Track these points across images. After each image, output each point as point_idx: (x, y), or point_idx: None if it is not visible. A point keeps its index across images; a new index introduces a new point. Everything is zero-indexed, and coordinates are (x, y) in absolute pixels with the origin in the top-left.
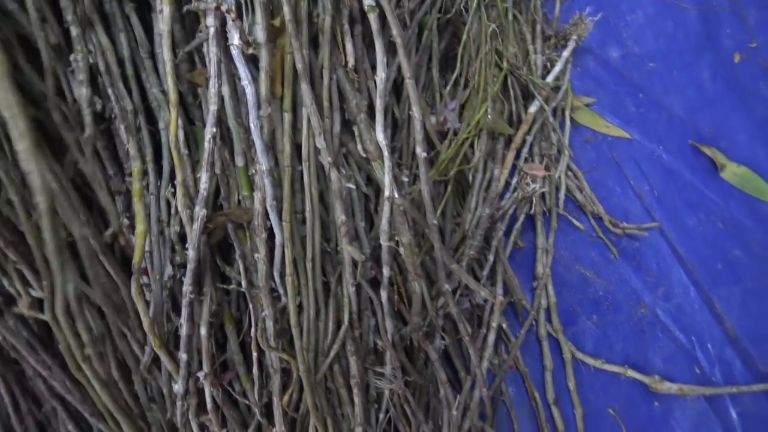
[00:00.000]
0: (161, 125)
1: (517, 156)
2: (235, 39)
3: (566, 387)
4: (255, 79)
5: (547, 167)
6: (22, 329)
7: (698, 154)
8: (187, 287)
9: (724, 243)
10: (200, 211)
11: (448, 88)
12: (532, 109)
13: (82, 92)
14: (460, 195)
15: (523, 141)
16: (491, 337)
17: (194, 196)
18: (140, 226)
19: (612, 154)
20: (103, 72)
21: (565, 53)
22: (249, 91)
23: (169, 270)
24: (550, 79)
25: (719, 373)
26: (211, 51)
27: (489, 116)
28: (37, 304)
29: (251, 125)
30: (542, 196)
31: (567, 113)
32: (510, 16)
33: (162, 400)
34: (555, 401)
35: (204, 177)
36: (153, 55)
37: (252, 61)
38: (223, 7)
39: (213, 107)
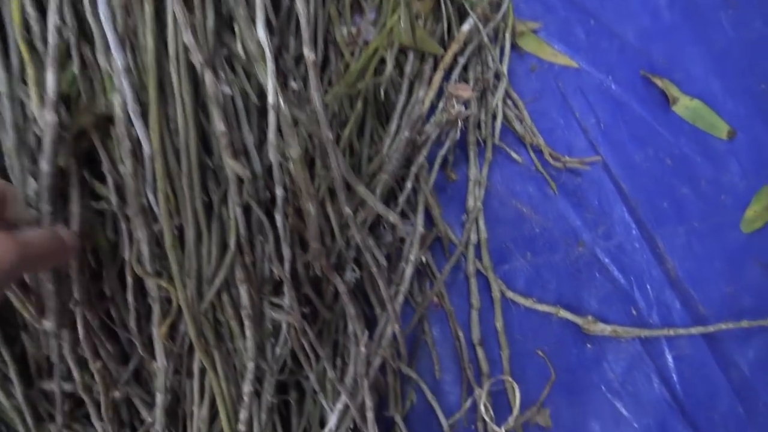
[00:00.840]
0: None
1: (447, 78)
2: None
3: (494, 327)
4: None
5: (483, 92)
6: None
7: (650, 86)
8: (44, 205)
9: (672, 180)
10: (50, 117)
11: None
12: (465, 27)
13: None
14: (384, 120)
15: (455, 62)
16: (409, 271)
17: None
18: None
19: (558, 84)
20: None
21: None
22: None
23: (33, 184)
24: None
25: (657, 315)
26: None
27: (402, 24)
28: None
29: (101, 15)
30: (477, 125)
31: (507, 36)
32: None
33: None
34: (480, 342)
35: (50, 76)
36: None
37: None
38: None
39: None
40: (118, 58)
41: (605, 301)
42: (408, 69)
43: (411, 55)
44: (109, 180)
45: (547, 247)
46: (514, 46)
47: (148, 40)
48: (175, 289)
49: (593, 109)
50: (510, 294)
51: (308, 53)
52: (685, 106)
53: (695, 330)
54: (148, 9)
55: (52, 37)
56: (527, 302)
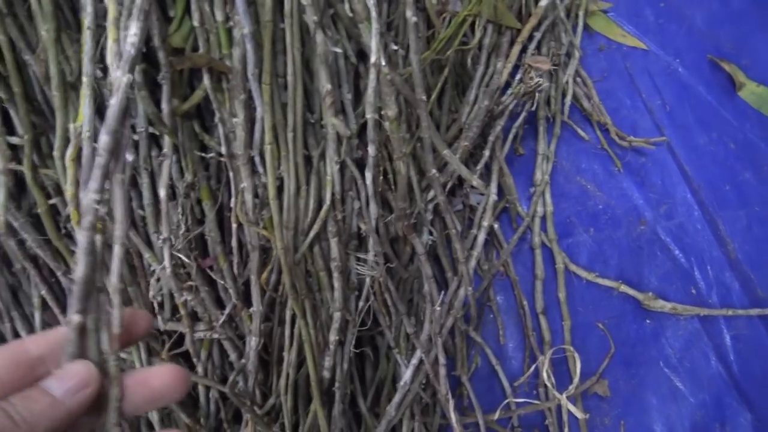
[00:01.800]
0: None
1: (523, 52)
2: None
3: (556, 298)
4: None
5: (554, 69)
6: None
7: (716, 70)
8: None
9: (735, 164)
10: (123, 77)
11: None
12: (543, 2)
13: None
14: (460, 91)
15: (531, 37)
16: (481, 237)
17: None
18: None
19: (625, 65)
20: None
21: None
22: None
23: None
24: None
25: (716, 295)
26: None
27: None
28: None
29: None
30: (547, 101)
31: (581, 15)
32: None
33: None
34: (543, 310)
35: (133, 28)
36: None
37: None
38: None
39: None
40: (243, 16)
41: (665, 279)
42: (486, 41)
43: (489, 28)
44: (220, 130)
45: (610, 223)
46: (584, 26)
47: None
48: (275, 238)
49: (659, 91)
50: (573, 267)
51: (410, 16)
52: (750, 91)
53: (754, 311)
54: None
55: None
56: (589, 276)
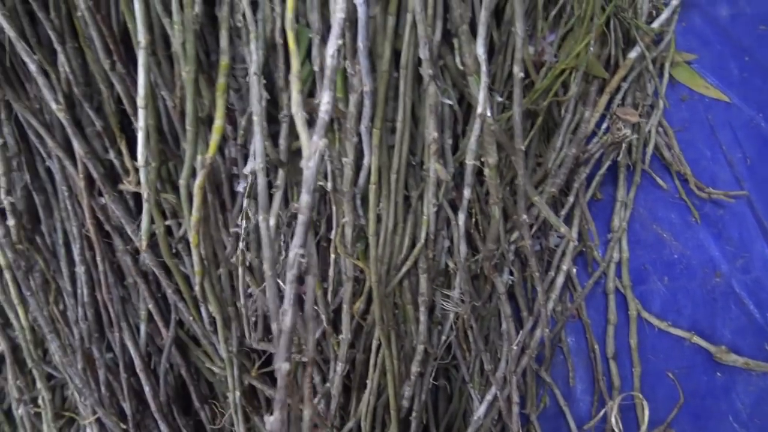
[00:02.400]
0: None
1: (610, 102)
2: None
3: (627, 344)
4: None
5: (641, 116)
6: (117, 204)
7: None
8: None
9: None
10: (319, 142)
11: (550, 19)
12: (632, 54)
13: None
14: (545, 137)
15: (618, 87)
16: (559, 280)
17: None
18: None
19: (707, 116)
20: None
21: (674, 1)
22: None
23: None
24: (655, 25)
25: None
26: None
27: (591, 48)
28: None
29: (359, 26)
30: (628, 148)
31: (667, 66)
32: None
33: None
34: (614, 356)
35: (326, 97)
36: None
37: None
38: None
39: (340, 15)
40: (364, 74)
41: (739, 333)
42: (574, 89)
43: (578, 77)
44: (328, 167)
45: (685, 273)
46: (668, 76)
47: (386, 50)
48: (369, 270)
49: (741, 144)
50: (645, 314)
51: (517, 72)
52: None
53: None
54: (391, 22)
55: (331, 59)
56: (662, 324)
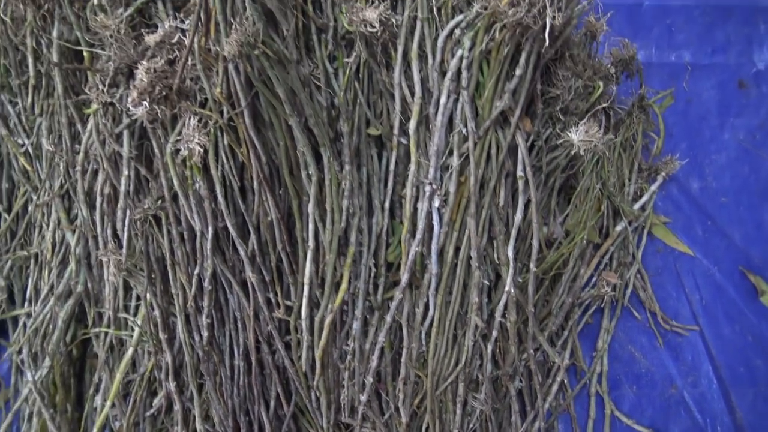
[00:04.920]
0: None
1: (600, 260)
2: (436, 202)
3: None
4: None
5: (621, 273)
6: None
7: (745, 278)
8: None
9: (750, 353)
10: (399, 295)
11: (558, 203)
12: (618, 227)
13: None
14: (550, 285)
15: (606, 250)
16: (554, 388)
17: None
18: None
19: (675, 266)
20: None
21: (653, 187)
22: (435, 218)
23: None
24: (637, 206)
25: None
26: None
27: (585, 237)
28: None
29: (434, 234)
30: (614, 288)
31: (645, 231)
32: (616, 154)
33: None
34: None
35: (406, 274)
36: None
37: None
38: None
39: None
40: (434, 262)
41: None
42: (571, 263)
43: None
44: (405, 311)
45: (649, 384)
46: (648, 234)
47: (450, 251)
48: (426, 379)
49: (699, 289)
50: (617, 413)
51: (533, 268)
52: None
53: None
54: (455, 235)
55: (413, 251)
56: (629, 422)
